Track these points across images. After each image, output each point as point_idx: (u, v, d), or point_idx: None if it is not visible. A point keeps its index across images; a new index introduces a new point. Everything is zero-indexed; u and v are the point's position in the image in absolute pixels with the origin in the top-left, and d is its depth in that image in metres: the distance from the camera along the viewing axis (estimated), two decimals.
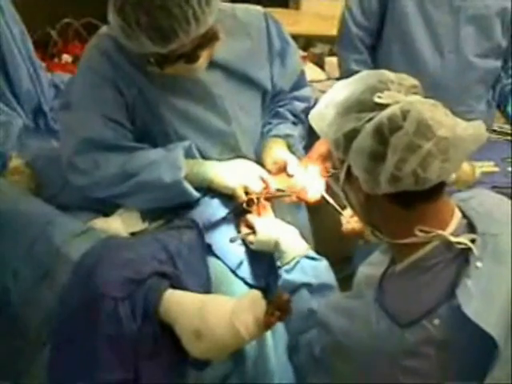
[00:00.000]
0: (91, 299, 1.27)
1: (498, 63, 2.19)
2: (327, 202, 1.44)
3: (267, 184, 1.51)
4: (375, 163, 1.02)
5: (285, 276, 1.35)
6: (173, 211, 1.56)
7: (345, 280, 2.52)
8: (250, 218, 1.47)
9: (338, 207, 1.43)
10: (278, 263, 1.39)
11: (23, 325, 1.37)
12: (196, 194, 1.52)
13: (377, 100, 1.04)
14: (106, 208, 1.57)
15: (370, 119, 1.03)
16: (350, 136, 1.05)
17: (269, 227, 1.44)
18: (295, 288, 1.31)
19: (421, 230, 1.07)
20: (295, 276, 1.33)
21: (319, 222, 1.86)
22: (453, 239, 1.06)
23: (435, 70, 2.10)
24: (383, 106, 1.03)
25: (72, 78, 1.65)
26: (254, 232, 1.46)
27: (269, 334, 1.36)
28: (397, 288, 1.11)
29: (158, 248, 1.37)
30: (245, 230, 1.49)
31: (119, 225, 1.52)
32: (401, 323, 1.04)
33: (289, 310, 1.21)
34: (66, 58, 2.77)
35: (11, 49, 2.11)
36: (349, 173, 1.09)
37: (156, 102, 1.53)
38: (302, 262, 1.35)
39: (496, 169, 2.09)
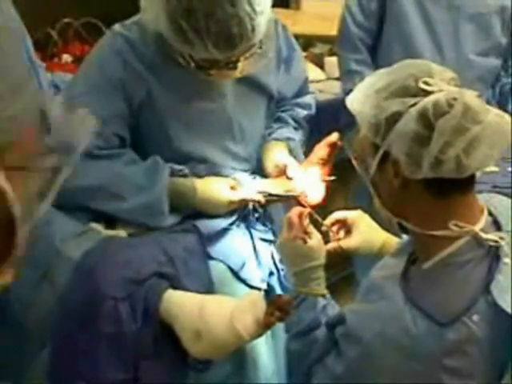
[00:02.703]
0: (91, 299, 1.27)
1: (498, 62, 2.19)
2: (311, 216, 1.38)
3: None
4: (419, 146, 1.03)
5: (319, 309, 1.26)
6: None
7: (345, 280, 2.54)
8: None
9: (320, 219, 1.42)
10: (306, 288, 1.27)
11: (23, 325, 1.37)
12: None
13: (422, 86, 1.05)
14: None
15: (414, 104, 1.04)
16: (393, 120, 1.05)
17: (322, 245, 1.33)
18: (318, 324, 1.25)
19: (455, 225, 1.07)
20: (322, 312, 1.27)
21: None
22: (484, 236, 1.07)
23: None
24: (427, 93, 1.04)
25: (75, 76, 1.64)
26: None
27: (269, 334, 1.36)
28: (429, 286, 1.09)
29: (158, 250, 1.37)
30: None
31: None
32: (441, 322, 1.03)
33: (289, 310, 1.21)
34: (66, 57, 2.77)
35: None
36: (383, 160, 1.10)
37: (162, 104, 1.53)
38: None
39: (496, 169, 2.09)
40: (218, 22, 1.33)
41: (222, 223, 1.52)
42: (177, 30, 1.36)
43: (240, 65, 1.45)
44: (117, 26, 1.54)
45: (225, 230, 1.53)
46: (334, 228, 1.44)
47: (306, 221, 1.31)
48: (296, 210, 1.33)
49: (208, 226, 1.50)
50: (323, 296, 1.28)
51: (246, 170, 1.65)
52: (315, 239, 1.30)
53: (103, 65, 1.50)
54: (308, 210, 1.35)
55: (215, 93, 1.57)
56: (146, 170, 1.50)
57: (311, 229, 1.31)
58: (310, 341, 1.23)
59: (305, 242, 1.28)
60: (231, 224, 1.54)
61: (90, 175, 1.45)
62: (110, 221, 1.54)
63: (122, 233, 1.49)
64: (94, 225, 1.50)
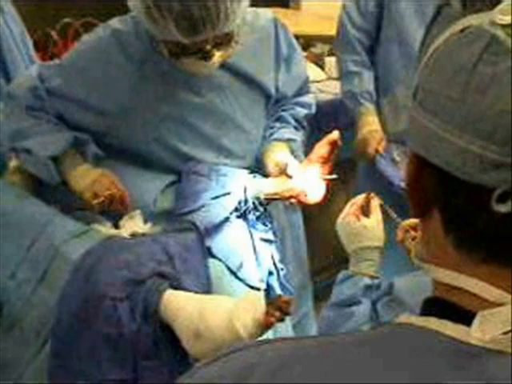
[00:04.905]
0: (91, 299, 1.27)
1: None
2: (385, 213, 1.28)
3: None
4: None
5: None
6: (175, 215, 1.56)
7: None
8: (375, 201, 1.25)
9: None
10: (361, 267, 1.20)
11: (23, 325, 1.38)
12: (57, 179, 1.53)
13: None
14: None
15: None
16: None
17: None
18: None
19: None
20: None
21: (318, 223, 1.86)
22: None
23: None
24: None
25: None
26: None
27: (270, 334, 1.37)
28: None
29: (158, 249, 1.37)
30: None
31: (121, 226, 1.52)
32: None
33: (288, 311, 1.21)
34: None
35: (11, 49, 2.11)
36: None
37: (146, 98, 1.54)
38: None
39: None
40: (181, 1, 1.33)
41: (220, 214, 1.52)
42: (145, 8, 1.37)
43: (216, 56, 1.45)
44: (114, 21, 1.56)
45: (224, 225, 1.52)
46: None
47: (374, 203, 1.24)
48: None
49: (205, 219, 1.50)
50: (372, 278, 1.19)
51: (242, 168, 1.65)
52: (372, 219, 1.22)
53: (88, 66, 1.55)
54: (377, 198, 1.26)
55: (203, 87, 1.57)
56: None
57: (374, 210, 1.23)
58: (345, 313, 1.17)
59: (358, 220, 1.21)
60: (228, 218, 1.53)
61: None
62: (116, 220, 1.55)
63: (123, 232, 1.49)
64: (97, 225, 1.51)
